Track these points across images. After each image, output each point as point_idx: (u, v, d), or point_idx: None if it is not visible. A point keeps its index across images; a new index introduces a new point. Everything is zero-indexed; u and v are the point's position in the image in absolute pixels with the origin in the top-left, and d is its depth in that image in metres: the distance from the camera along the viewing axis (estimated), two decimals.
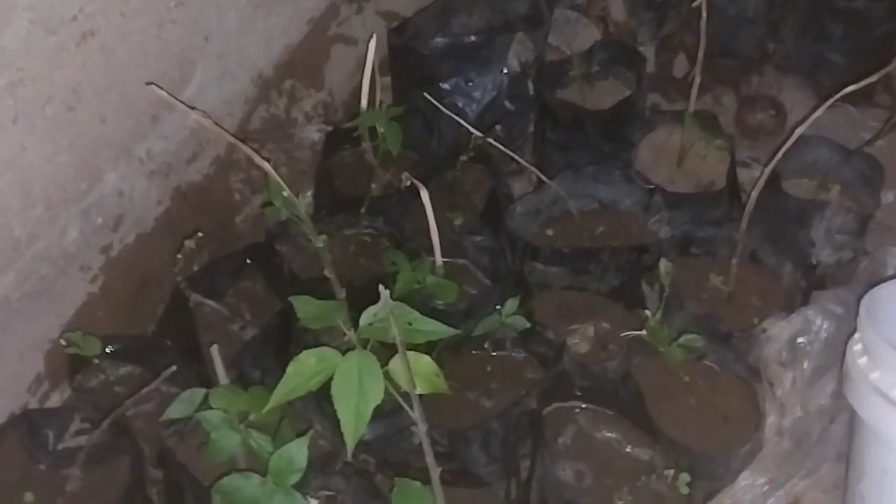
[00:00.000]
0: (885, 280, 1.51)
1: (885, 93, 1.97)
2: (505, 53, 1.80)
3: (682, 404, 1.35)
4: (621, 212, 1.61)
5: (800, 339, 1.33)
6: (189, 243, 1.37)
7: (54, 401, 1.41)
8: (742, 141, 1.89)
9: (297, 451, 0.95)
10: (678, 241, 1.53)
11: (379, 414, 0.89)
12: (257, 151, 1.12)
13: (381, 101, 1.51)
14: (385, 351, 0.91)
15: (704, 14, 1.52)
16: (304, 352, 0.90)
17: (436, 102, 1.53)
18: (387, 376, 0.90)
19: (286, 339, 1.39)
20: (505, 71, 1.80)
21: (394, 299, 0.89)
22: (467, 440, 1.29)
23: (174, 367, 1.21)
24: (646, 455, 1.32)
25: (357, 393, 0.87)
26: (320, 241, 1.20)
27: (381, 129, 1.49)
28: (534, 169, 1.60)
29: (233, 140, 1.07)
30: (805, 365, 1.32)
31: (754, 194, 1.34)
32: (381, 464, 1.30)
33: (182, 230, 1.46)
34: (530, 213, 1.59)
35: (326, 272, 1.24)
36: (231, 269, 1.57)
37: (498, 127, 1.61)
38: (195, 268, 1.55)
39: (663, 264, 1.26)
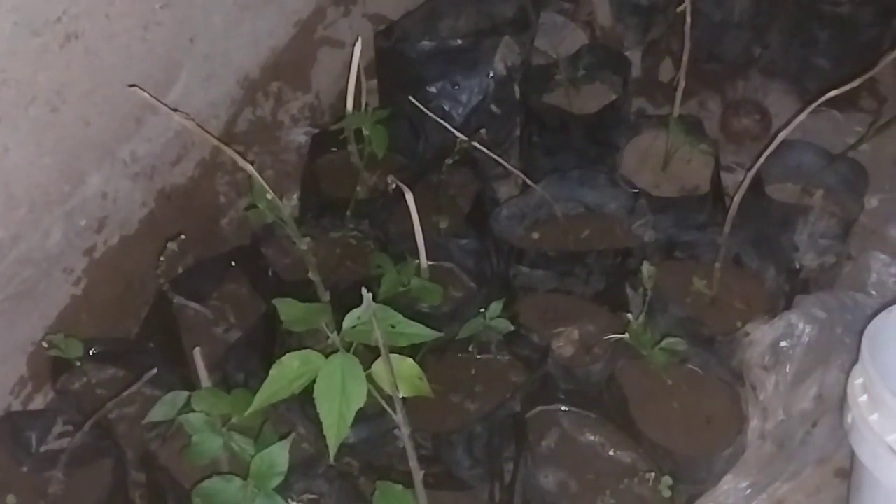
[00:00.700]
0: (869, 284, 1.53)
1: (870, 97, 1.98)
2: (491, 57, 1.80)
3: (665, 408, 1.35)
4: (606, 216, 1.61)
5: (783, 343, 1.34)
6: (171, 245, 1.36)
7: (38, 403, 1.40)
8: (727, 146, 1.90)
9: (279, 455, 0.95)
10: (662, 245, 1.54)
11: (363, 417, 0.89)
12: (243, 154, 1.12)
13: (367, 104, 1.51)
14: (369, 354, 0.91)
15: (689, 19, 1.52)
16: (287, 355, 0.90)
17: (421, 106, 1.53)
18: (370, 379, 0.90)
19: (271, 342, 1.39)
20: (491, 75, 1.80)
21: (379, 302, 0.90)
22: (451, 443, 1.29)
23: (155, 370, 1.20)
24: (629, 458, 1.32)
25: (340, 396, 0.87)
26: (304, 244, 1.20)
27: (366, 132, 1.49)
28: (519, 173, 1.61)
29: (216, 142, 1.07)
30: (788, 369, 1.33)
31: (737, 198, 1.35)
32: (364, 467, 1.30)
33: (167, 233, 1.46)
34: (516, 216, 1.60)
35: (310, 275, 1.24)
36: (216, 271, 1.56)
37: (483, 130, 1.61)
38: (180, 270, 1.55)
39: (646, 268, 1.27)
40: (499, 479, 1.28)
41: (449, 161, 1.56)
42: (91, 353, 1.37)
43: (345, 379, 0.88)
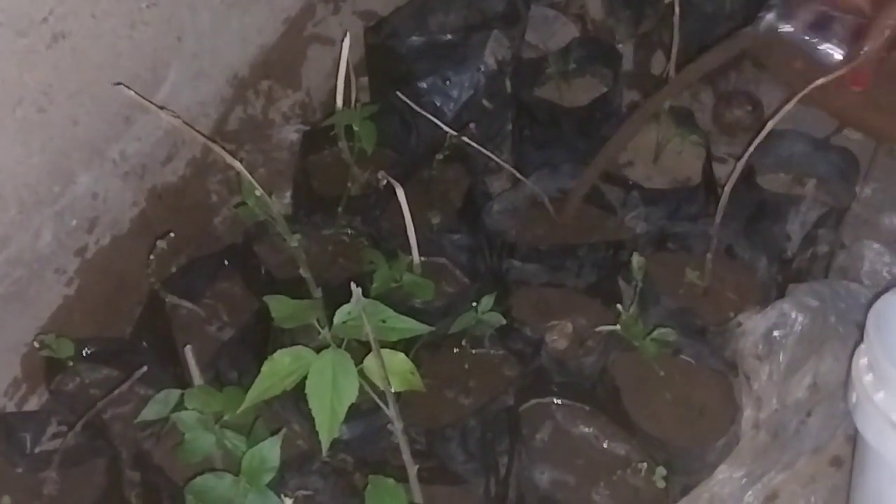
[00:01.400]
0: (862, 273, 1.53)
1: None
2: (482, 52, 1.80)
3: (658, 399, 1.35)
4: (598, 208, 1.61)
5: (776, 333, 1.33)
6: (161, 243, 1.36)
7: (32, 404, 1.40)
8: (719, 137, 1.89)
9: (270, 450, 0.95)
10: (654, 237, 1.54)
11: (357, 413, 0.89)
12: (234, 152, 1.12)
13: (358, 101, 1.51)
14: (362, 350, 0.91)
15: (677, 10, 1.52)
16: (279, 351, 0.91)
17: (410, 102, 1.53)
18: (362, 375, 0.90)
19: (263, 339, 1.39)
20: (482, 69, 1.80)
21: (371, 298, 0.90)
22: (445, 437, 1.29)
23: (145, 368, 1.20)
24: (622, 450, 1.32)
25: (331, 391, 0.88)
26: (294, 241, 1.20)
27: (356, 128, 1.48)
28: (510, 167, 1.61)
29: (204, 140, 1.07)
30: (781, 358, 1.32)
31: (728, 188, 1.35)
32: (359, 463, 1.30)
33: (158, 232, 1.45)
34: (507, 210, 1.59)
35: (302, 271, 1.24)
36: (208, 270, 1.56)
37: (472, 125, 1.61)
38: (173, 269, 1.55)
39: (636, 259, 1.27)
40: (493, 473, 1.28)
41: (439, 156, 1.56)
42: (85, 353, 1.37)
43: (336, 374, 0.88)
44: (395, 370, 0.93)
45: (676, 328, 1.33)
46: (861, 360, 1.15)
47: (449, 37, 1.80)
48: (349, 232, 1.58)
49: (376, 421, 1.28)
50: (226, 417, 1.06)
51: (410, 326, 0.93)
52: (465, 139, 1.50)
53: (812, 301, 1.36)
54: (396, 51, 1.79)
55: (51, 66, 1.27)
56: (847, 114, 1.28)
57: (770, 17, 1.20)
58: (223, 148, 1.12)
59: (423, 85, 1.79)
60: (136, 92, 1.05)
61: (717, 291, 1.48)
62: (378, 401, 0.93)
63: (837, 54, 1.17)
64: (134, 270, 1.49)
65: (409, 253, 1.35)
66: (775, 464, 1.32)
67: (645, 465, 1.29)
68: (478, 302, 1.33)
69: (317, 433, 0.87)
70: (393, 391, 0.93)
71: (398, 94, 1.57)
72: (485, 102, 1.82)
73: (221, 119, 1.66)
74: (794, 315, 1.34)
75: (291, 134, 1.80)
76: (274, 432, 0.99)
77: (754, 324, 1.35)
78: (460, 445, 1.30)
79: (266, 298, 1.02)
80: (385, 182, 1.36)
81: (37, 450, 1.30)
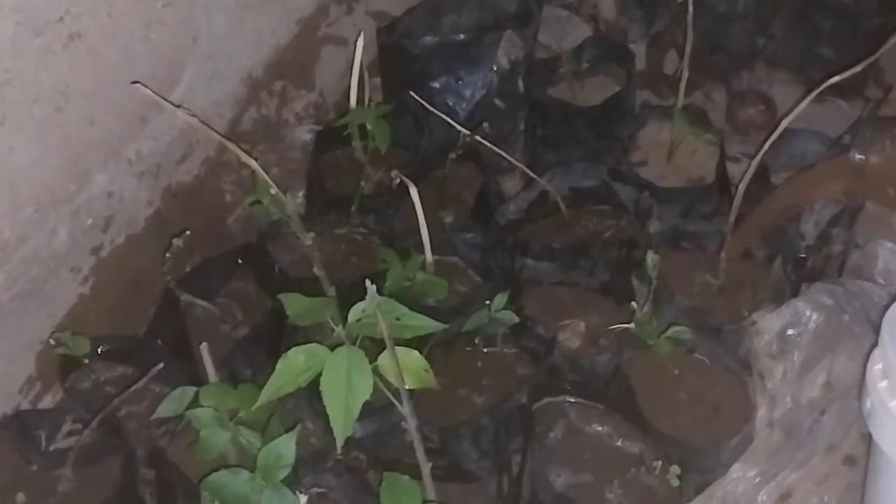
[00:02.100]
0: (876, 272, 1.53)
1: (875, 86, 1.98)
2: (494, 52, 1.80)
3: (672, 397, 1.35)
4: (611, 207, 1.61)
5: (790, 331, 1.33)
6: (177, 241, 1.37)
7: (47, 402, 1.41)
8: (733, 136, 1.89)
9: (285, 447, 0.95)
10: (668, 236, 1.54)
11: (370, 411, 0.90)
12: (248, 152, 1.13)
13: (371, 101, 1.52)
14: (376, 348, 0.92)
15: (691, 9, 1.52)
16: (293, 349, 0.91)
17: (423, 102, 1.53)
18: (376, 372, 0.90)
19: (277, 337, 1.39)
20: (495, 69, 1.80)
21: (384, 296, 0.90)
22: (458, 436, 1.29)
23: (161, 365, 1.21)
24: (636, 448, 1.32)
25: (346, 388, 0.88)
26: (308, 239, 1.20)
27: (369, 127, 1.49)
28: (523, 166, 1.61)
29: (219, 137, 1.07)
30: (795, 357, 1.32)
31: (742, 187, 1.35)
32: (372, 460, 1.31)
33: (173, 231, 1.46)
34: (520, 209, 1.59)
35: (315, 270, 1.25)
36: (223, 269, 1.57)
37: (485, 124, 1.61)
38: (187, 269, 1.55)
39: (650, 257, 1.26)
40: (506, 471, 1.28)
41: (452, 155, 1.56)
42: (100, 351, 1.38)
43: (350, 371, 0.88)
44: (409, 368, 0.93)
45: (690, 327, 1.32)
46: (875, 366, 1.14)
47: (462, 37, 1.80)
48: (362, 231, 1.59)
49: (390, 419, 1.28)
50: (241, 415, 1.06)
51: (425, 324, 0.94)
52: (478, 139, 1.51)
53: (826, 300, 1.35)
54: (409, 51, 1.80)
55: (67, 65, 1.28)
56: None
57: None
58: (238, 147, 1.12)
59: (436, 85, 1.80)
60: (152, 90, 1.05)
61: (731, 290, 1.48)
62: (392, 398, 0.93)
63: None
64: (149, 269, 1.50)
65: (422, 252, 1.36)
66: (789, 462, 1.31)
67: (659, 463, 1.28)
68: (491, 300, 1.33)
69: (331, 430, 0.87)
70: (407, 389, 0.93)
71: (411, 93, 1.57)
72: (497, 102, 1.82)
73: (235, 119, 1.67)
74: (808, 314, 1.33)
75: (305, 134, 1.81)
76: (289, 429, 1.00)
77: (768, 322, 1.35)
78: (473, 444, 1.30)
79: (280, 296, 1.02)
80: (398, 181, 1.37)
81: (52, 447, 1.31)
